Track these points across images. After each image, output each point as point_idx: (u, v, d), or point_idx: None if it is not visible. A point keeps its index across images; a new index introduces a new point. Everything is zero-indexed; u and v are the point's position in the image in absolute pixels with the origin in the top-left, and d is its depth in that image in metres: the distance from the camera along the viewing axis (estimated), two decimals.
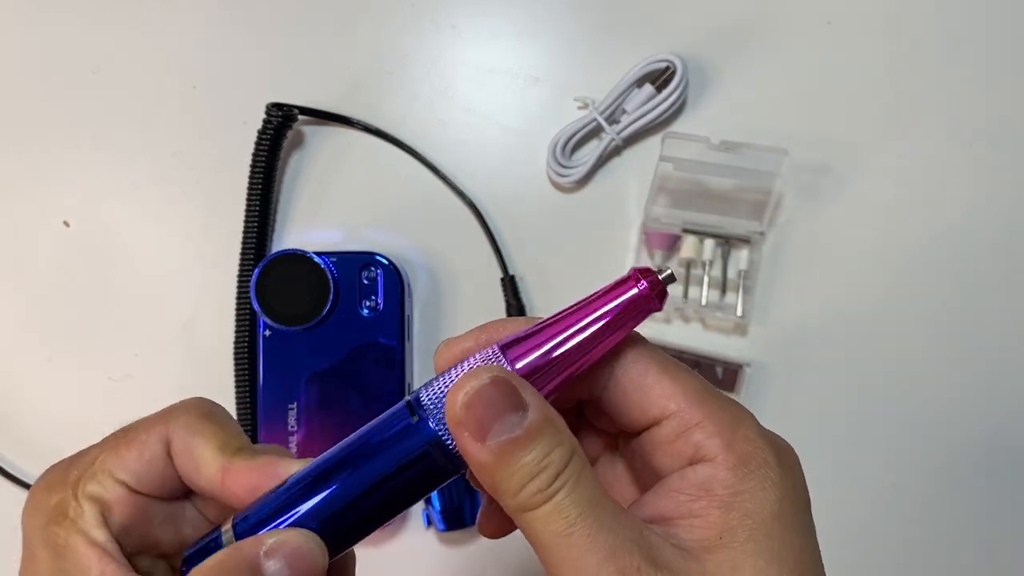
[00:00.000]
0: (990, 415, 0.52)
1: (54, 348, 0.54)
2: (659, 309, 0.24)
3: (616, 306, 0.24)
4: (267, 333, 0.50)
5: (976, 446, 0.52)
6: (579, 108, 0.53)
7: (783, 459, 0.25)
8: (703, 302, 0.52)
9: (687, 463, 0.25)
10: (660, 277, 0.24)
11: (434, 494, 0.50)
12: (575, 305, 0.25)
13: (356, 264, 0.50)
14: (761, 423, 0.25)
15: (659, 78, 0.51)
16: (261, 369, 0.50)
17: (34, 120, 0.54)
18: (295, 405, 0.50)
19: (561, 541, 0.22)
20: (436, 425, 0.24)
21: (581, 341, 0.24)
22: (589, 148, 0.53)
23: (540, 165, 0.53)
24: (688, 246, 0.52)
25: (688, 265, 0.52)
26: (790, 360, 0.52)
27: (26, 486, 0.52)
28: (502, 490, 0.23)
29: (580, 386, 0.26)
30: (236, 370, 0.51)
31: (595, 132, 0.53)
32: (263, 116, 0.51)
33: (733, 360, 0.51)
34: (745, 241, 0.52)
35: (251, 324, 0.51)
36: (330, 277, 0.49)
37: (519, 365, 0.24)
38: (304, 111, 0.52)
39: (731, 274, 0.52)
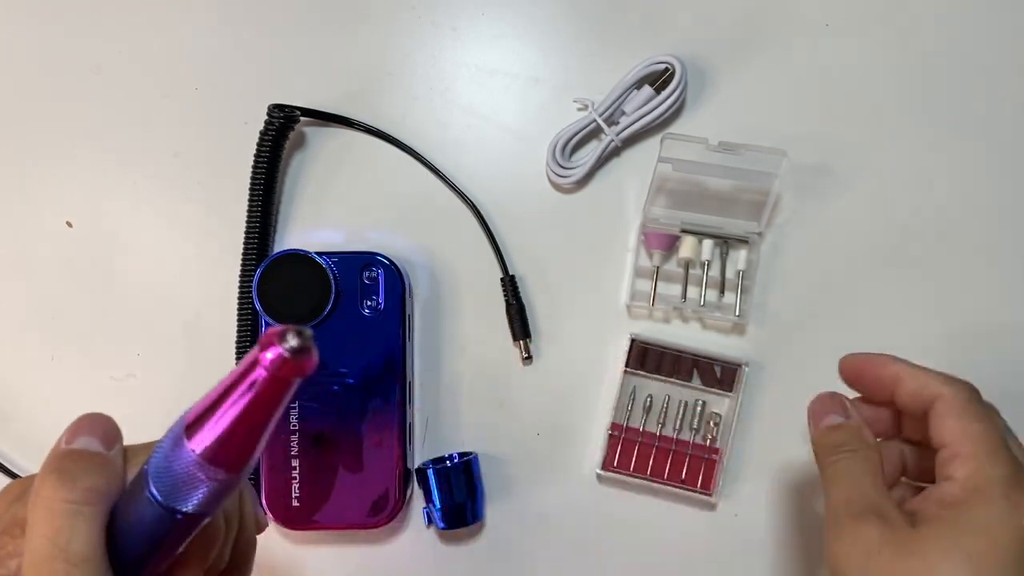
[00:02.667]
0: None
1: (56, 347, 0.54)
2: (303, 374, 0.23)
3: (257, 392, 0.23)
4: None
5: None
6: (579, 109, 0.53)
7: None
8: (701, 302, 0.52)
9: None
10: (283, 351, 0.22)
11: (435, 493, 0.50)
12: (231, 385, 0.24)
13: (357, 264, 0.50)
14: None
15: (658, 79, 0.51)
16: None
17: (36, 120, 0.55)
18: (296, 404, 0.50)
19: (829, 488, 0.36)
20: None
21: (252, 428, 0.24)
22: (588, 149, 0.53)
23: (540, 166, 0.53)
24: (687, 246, 0.52)
25: (687, 265, 0.52)
26: (788, 359, 0.53)
27: None
28: (817, 455, 0.38)
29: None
30: None
31: (594, 133, 0.53)
32: (265, 117, 0.51)
33: (731, 359, 0.52)
34: (743, 241, 0.52)
35: (253, 324, 0.51)
36: (331, 277, 0.49)
37: (197, 448, 0.25)
38: (305, 112, 0.52)
39: (729, 274, 0.52)
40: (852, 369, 0.40)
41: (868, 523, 0.32)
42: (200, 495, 0.26)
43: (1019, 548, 0.31)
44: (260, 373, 0.22)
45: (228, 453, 0.25)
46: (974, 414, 0.35)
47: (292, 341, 0.22)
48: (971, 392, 0.36)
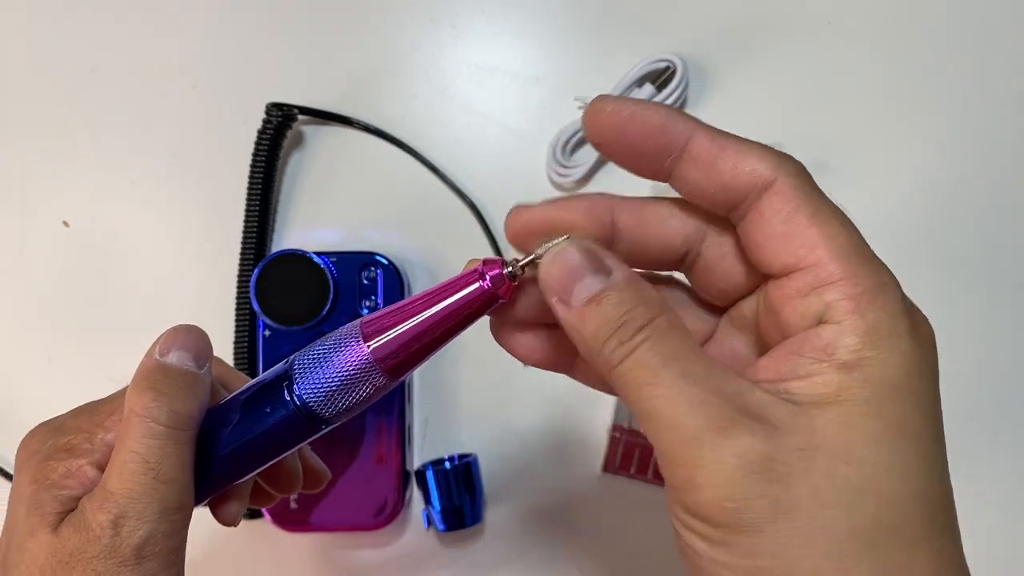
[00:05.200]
0: (989, 412, 0.52)
1: (54, 348, 0.54)
2: (506, 299, 0.26)
3: (461, 300, 0.25)
4: (267, 333, 0.50)
5: (971, 441, 0.52)
6: (579, 108, 0.53)
7: (919, 332, 0.23)
8: None
9: (813, 323, 0.23)
10: (504, 272, 0.25)
11: (434, 494, 0.50)
12: (429, 295, 0.26)
13: (356, 264, 0.50)
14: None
15: (659, 78, 0.51)
16: (261, 369, 0.50)
17: (33, 120, 0.54)
18: None
19: (645, 393, 0.22)
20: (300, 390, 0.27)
21: (434, 336, 0.26)
22: (589, 148, 0.53)
23: (540, 165, 0.53)
24: None
25: None
26: None
27: None
28: (590, 351, 0.23)
29: (716, 203, 0.26)
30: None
31: None
32: (263, 116, 0.51)
33: None
34: None
35: (251, 324, 0.51)
36: (330, 277, 0.49)
37: (373, 345, 0.26)
38: (304, 111, 0.52)
39: None
40: (612, 126, 0.27)
41: (737, 432, 0.21)
42: (354, 398, 0.26)
43: (935, 401, 0.24)
44: (483, 285, 0.25)
45: (402, 359, 0.26)
46: (829, 211, 0.23)
47: (512, 268, 0.25)
48: (805, 172, 0.24)
